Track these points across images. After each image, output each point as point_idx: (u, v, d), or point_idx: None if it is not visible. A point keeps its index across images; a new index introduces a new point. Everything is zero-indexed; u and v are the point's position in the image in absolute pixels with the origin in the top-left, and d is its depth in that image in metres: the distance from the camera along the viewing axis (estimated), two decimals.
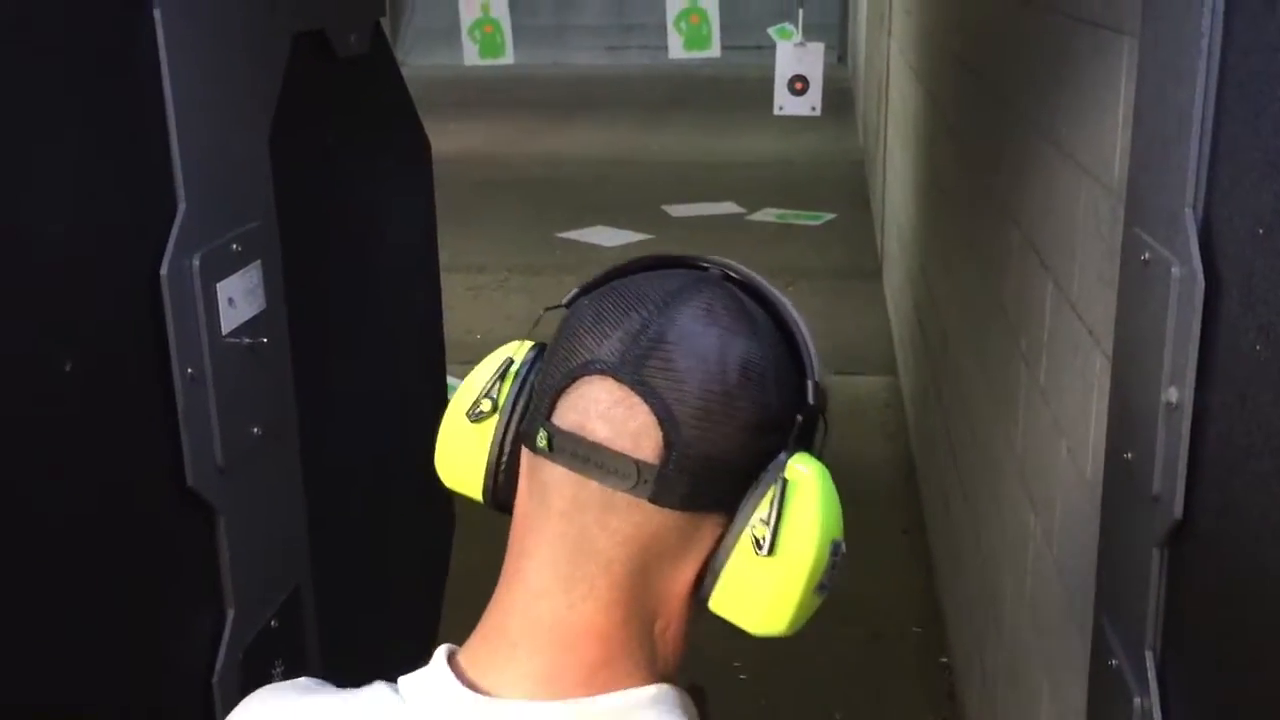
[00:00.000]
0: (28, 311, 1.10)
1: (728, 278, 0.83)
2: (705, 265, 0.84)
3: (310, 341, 1.56)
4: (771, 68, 6.96)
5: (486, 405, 0.83)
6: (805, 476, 0.78)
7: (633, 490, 0.75)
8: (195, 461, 1.32)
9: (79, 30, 1.14)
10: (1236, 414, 1.01)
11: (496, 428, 0.84)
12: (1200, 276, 1.06)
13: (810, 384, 0.81)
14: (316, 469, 1.59)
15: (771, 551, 0.77)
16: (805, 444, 0.81)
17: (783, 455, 0.78)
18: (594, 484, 0.75)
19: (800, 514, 0.78)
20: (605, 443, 0.75)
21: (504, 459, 0.83)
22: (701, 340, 0.76)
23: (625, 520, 0.76)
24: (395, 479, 1.84)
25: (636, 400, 0.75)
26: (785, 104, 6.88)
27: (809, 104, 6.81)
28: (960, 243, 3.39)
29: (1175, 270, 1.10)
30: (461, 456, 0.85)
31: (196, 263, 1.29)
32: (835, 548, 0.79)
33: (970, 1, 3.34)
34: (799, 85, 6.79)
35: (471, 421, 0.84)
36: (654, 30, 9.63)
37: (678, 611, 0.80)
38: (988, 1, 2.98)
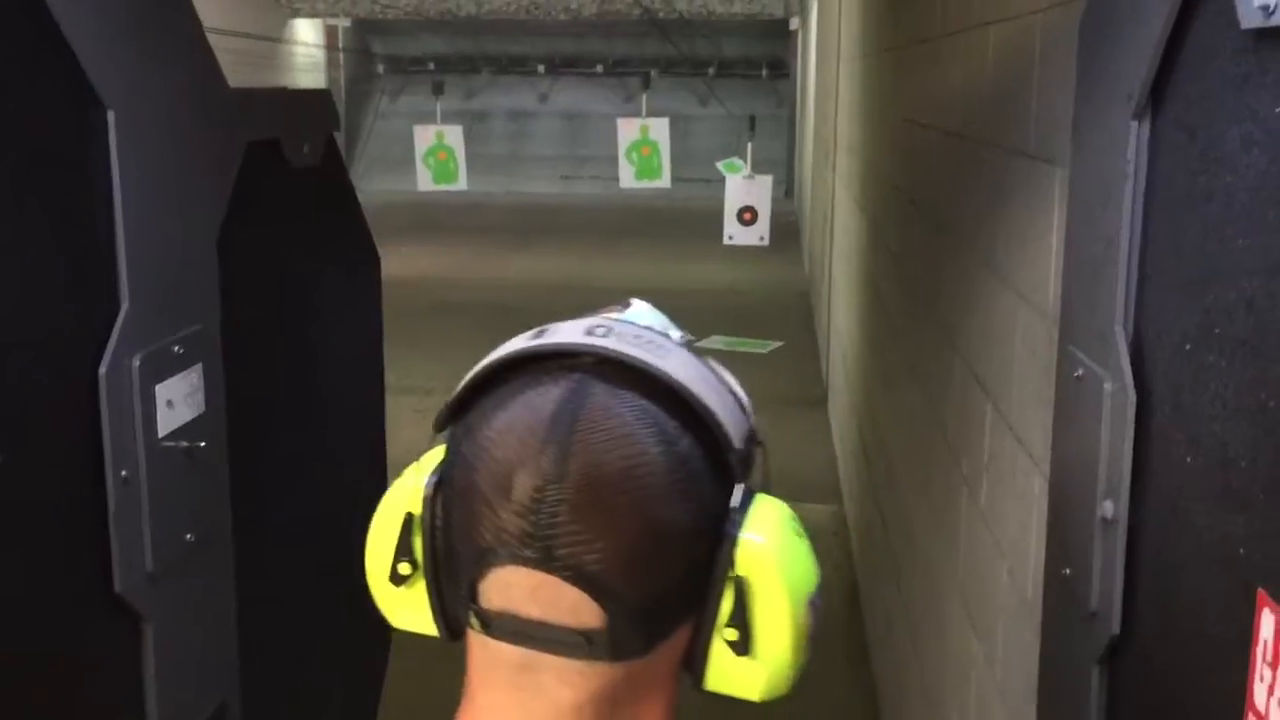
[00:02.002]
0: None
1: (605, 362, 0.75)
2: (574, 352, 0.75)
3: (249, 448, 1.54)
4: (720, 199, 7.13)
5: (406, 569, 0.79)
6: (759, 556, 0.74)
7: (589, 657, 0.72)
8: (124, 567, 1.28)
9: (30, 125, 1.15)
10: (1170, 526, 1.02)
11: (429, 590, 0.79)
12: (1131, 391, 1.08)
13: (730, 458, 0.75)
14: (250, 580, 1.55)
15: (748, 651, 0.74)
16: (745, 497, 0.75)
17: (726, 546, 0.73)
18: (545, 654, 0.72)
19: (767, 601, 0.74)
20: (542, 619, 0.72)
21: (449, 611, 0.79)
22: (600, 489, 0.70)
23: (586, 676, 0.73)
24: (331, 594, 1.80)
25: (557, 580, 0.71)
26: (734, 234, 7.03)
27: (758, 234, 6.97)
28: (903, 369, 3.45)
29: (1107, 385, 1.12)
30: (404, 612, 0.81)
31: (137, 363, 1.28)
32: (813, 606, 0.76)
33: (911, 137, 3.46)
34: (747, 216, 6.95)
35: (396, 586, 0.79)
36: (606, 161, 9.85)
37: (658, 710, 0.77)
38: (926, 136, 3.09)
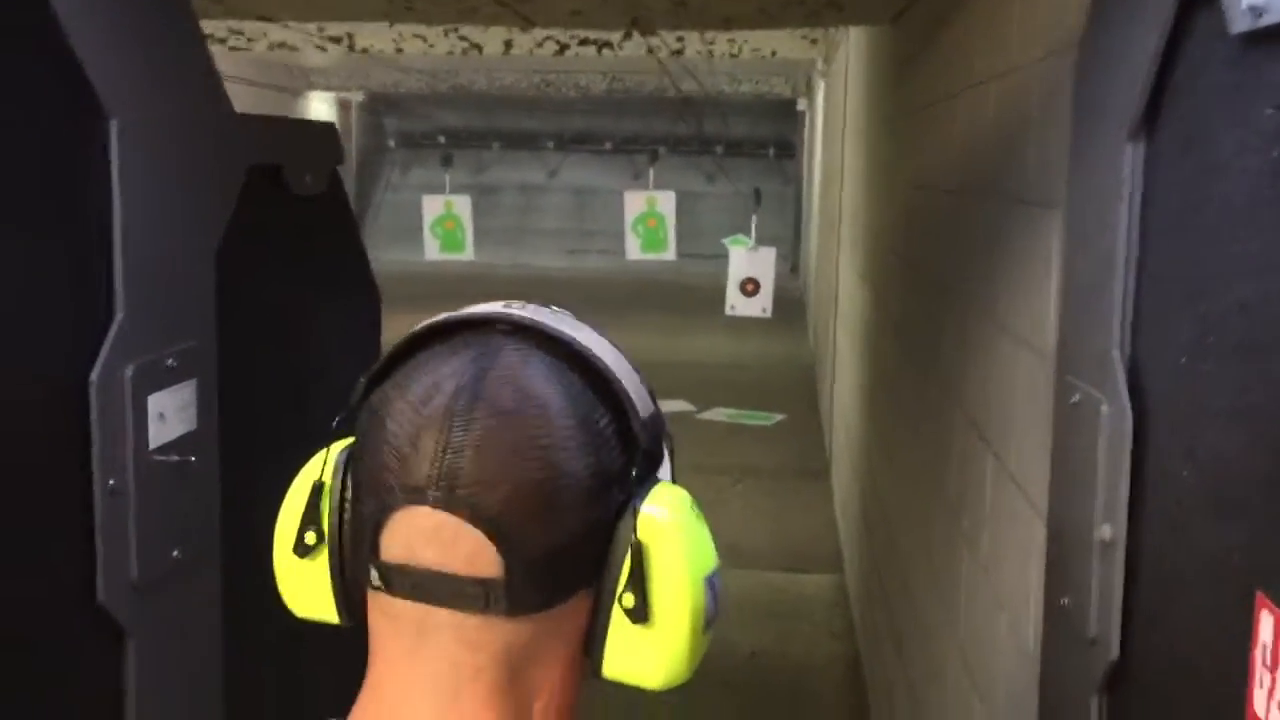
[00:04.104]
0: None
1: (518, 329, 0.78)
2: (488, 319, 0.79)
3: (241, 468, 1.52)
4: (724, 275, 7.14)
5: (311, 538, 0.79)
6: (659, 527, 0.75)
7: (486, 611, 0.72)
8: (108, 576, 1.26)
9: (31, 130, 1.16)
10: (1169, 544, 1.01)
11: (331, 561, 0.80)
12: (1128, 410, 1.07)
13: (634, 424, 0.77)
14: (237, 601, 1.53)
15: (646, 618, 0.75)
16: (651, 477, 0.78)
17: (628, 515, 0.75)
18: (443, 610, 0.73)
19: (664, 569, 0.75)
20: (440, 568, 0.72)
21: (349, 587, 0.80)
22: (504, 433, 0.72)
23: (484, 634, 0.73)
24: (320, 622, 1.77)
25: (458, 521, 0.71)
26: (736, 304, 7.03)
27: (760, 305, 6.96)
28: (905, 432, 3.43)
29: (1104, 408, 1.12)
30: (305, 592, 0.82)
31: (129, 373, 1.27)
32: (711, 585, 0.77)
33: (912, 201, 3.48)
34: (750, 287, 6.96)
35: (301, 558, 0.80)
36: (613, 236, 9.92)
37: (559, 687, 0.77)
38: (927, 198, 3.11)
